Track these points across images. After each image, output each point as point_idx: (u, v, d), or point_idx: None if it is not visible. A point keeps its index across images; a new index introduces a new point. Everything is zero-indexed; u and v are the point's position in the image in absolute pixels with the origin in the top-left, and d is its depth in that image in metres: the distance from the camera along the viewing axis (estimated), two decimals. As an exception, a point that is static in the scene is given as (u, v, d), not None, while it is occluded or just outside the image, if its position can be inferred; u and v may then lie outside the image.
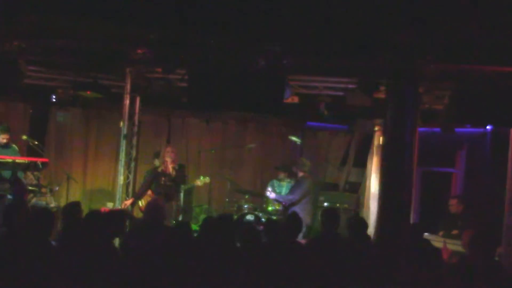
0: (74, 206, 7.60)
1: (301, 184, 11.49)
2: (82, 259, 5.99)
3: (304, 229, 10.91)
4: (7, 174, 10.48)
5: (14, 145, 11.01)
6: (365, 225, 7.89)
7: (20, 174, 10.54)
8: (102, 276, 5.88)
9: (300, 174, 11.65)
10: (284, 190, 12.13)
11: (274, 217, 11.58)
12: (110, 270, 6.00)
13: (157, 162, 12.35)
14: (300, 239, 10.41)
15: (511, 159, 10.82)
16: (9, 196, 10.16)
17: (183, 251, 6.47)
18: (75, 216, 7.33)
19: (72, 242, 6.35)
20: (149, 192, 12.29)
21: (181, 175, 11.70)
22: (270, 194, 11.90)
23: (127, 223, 11.35)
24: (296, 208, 11.18)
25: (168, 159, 11.54)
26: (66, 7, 8.55)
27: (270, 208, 12.03)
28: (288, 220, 7.82)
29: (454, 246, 9.20)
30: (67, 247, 6.28)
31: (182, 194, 11.94)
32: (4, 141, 10.75)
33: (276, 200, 11.83)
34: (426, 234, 9.26)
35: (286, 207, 11.60)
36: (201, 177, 12.20)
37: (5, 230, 6.34)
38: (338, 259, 7.12)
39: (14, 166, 10.34)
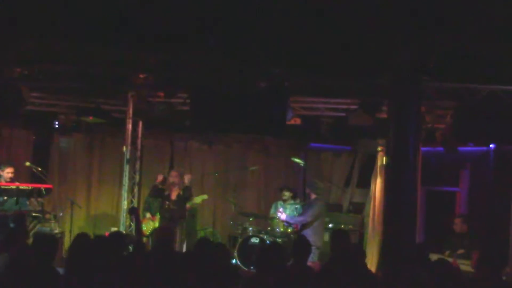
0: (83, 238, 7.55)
1: (313, 206, 11.38)
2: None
3: (317, 252, 10.89)
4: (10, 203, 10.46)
5: None
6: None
7: (22, 201, 10.51)
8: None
9: (313, 196, 11.53)
10: (288, 212, 12.07)
11: (279, 240, 11.52)
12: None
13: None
14: (313, 261, 10.41)
15: (515, 177, 10.81)
16: (11, 225, 10.13)
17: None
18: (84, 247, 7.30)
19: (81, 271, 6.29)
20: (148, 215, 12.28)
21: (187, 195, 11.71)
22: (281, 214, 11.78)
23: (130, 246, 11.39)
24: (308, 231, 11.12)
25: (173, 183, 11.55)
26: (67, 33, 8.58)
27: (275, 230, 11.97)
28: (296, 243, 7.74)
29: (461, 266, 9.15)
30: (75, 276, 6.23)
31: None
32: (10, 175, 10.77)
33: (286, 221, 11.73)
34: (431, 254, 9.21)
35: (296, 231, 11.54)
36: (200, 195, 12.23)
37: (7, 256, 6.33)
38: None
39: (18, 192, 10.33)
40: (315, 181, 12.16)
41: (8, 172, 10.73)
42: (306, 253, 7.45)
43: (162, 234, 7.96)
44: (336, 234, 8.22)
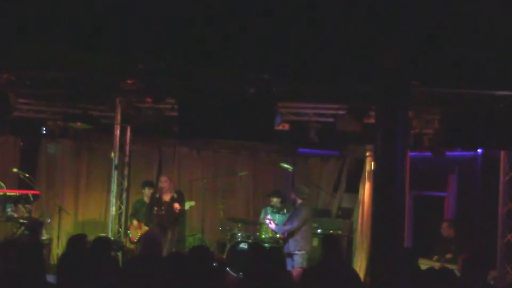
0: (80, 239, 7.51)
1: (300, 212, 11.35)
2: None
3: (305, 256, 10.91)
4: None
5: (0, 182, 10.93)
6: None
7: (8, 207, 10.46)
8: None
9: (299, 201, 11.51)
10: (277, 218, 12.07)
11: (267, 245, 11.52)
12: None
13: (146, 191, 12.34)
14: (302, 266, 10.43)
15: (502, 181, 10.85)
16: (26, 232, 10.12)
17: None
18: (81, 248, 7.27)
19: (75, 276, 6.26)
20: (135, 222, 12.24)
21: (181, 200, 11.69)
22: (270, 224, 11.73)
23: (118, 253, 11.37)
24: (296, 236, 11.12)
25: (163, 189, 11.54)
26: (55, 39, 8.56)
27: (263, 236, 11.96)
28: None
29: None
30: (67, 281, 6.19)
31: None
32: None
33: (276, 231, 11.70)
34: (420, 259, 9.24)
35: (283, 238, 11.54)
36: (187, 201, 12.22)
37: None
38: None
39: (5, 199, 10.27)
40: (300, 186, 12.17)
41: None
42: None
43: (149, 238, 7.96)
44: (327, 239, 8.23)
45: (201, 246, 8.74)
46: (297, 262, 10.82)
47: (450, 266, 9.45)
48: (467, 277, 6.69)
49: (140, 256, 8.24)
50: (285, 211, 12.18)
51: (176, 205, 11.54)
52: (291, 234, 11.25)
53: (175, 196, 11.63)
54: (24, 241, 9.35)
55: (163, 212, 11.51)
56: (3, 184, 10.94)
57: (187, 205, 12.26)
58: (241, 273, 11.22)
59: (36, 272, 6.12)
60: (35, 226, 10.21)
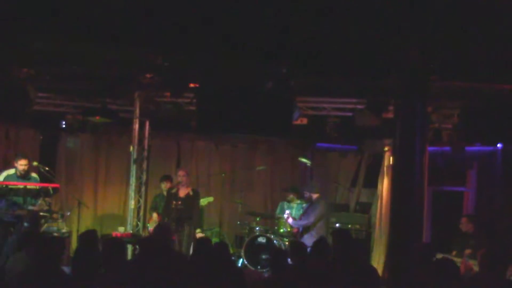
0: (90, 234, 7.58)
1: (317, 207, 11.32)
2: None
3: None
4: (19, 201, 10.46)
5: (35, 175, 10.95)
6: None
7: (30, 201, 10.51)
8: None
9: (314, 196, 11.47)
10: (294, 212, 12.07)
11: (286, 239, 11.53)
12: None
13: (163, 186, 12.36)
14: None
15: (522, 176, 10.78)
16: (25, 224, 10.15)
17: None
18: (92, 243, 7.34)
19: (87, 270, 6.30)
20: (155, 216, 12.27)
21: (197, 197, 11.69)
22: (288, 218, 11.73)
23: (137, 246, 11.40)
24: (312, 232, 11.11)
25: (181, 183, 11.56)
26: (74, 33, 8.60)
27: (281, 230, 11.93)
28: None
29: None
30: (81, 275, 6.24)
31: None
32: (23, 167, 10.69)
33: (293, 226, 11.68)
34: (438, 254, 9.20)
35: (296, 232, 11.54)
36: (205, 197, 12.25)
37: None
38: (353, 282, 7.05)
39: (26, 192, 10.33)
40: (310, 182, 12.16)
41: (21, 164, 10.70)
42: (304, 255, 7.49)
43: (159, 231, 7.98)
44: (337, 233, 8.23)
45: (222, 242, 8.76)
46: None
47: (471, 261, 9.46)
48: (486, 273, 6.66)
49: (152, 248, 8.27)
50: (303, 205, 12.14)
51: (199, 234, 11.56)
52: (306, 228, 11.24)
53: (191, 193, 11.59)
54: (25, 232, 9.38)
55: (181, 206, 11.51)
56: (37, 177, 11.00)
57: (205, 201, 12.29)
58: (259, 267, 11.27)
59: (52, 264, 6.19)
60: (34, 218, 10.24)
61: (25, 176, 10.67)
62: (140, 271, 6.62)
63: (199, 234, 11.42)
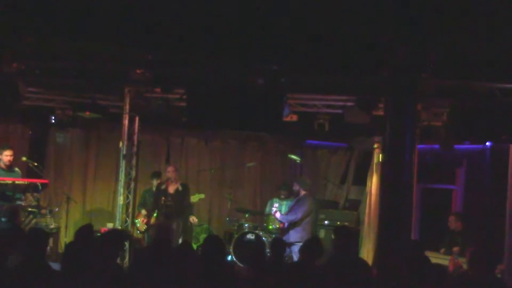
0: (87, 229, 7.53)
1: (304, 203, 11.39)
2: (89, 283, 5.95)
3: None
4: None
5: (17, 169, 10.92)
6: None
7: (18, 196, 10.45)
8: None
9: (302, 192, 11.54)
10: (284, 209, 12.08)
11: (274, 236, 11.55)
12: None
13: (155, 182, 12.35)
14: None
15: (511, 175, 10.81)
16: (3, 219, 10.08)
17: (186, 269, 6.46)
18: (89, 238, 7.29)
19: (80, 265, 6.26)
20: (144, 212, 12.26)
21: (186, 192, 11.72)
22: (276, 213, 11.79)
23: (127, 243, 11.39)
24: (298, 227, 11.16)
25: (170, 179, 11.57)
26: (64, 28, 8.57)
27: (270, 227, 11.97)
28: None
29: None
30: (73, 271, 6.20)
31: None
32: (8, 158, 10.63)
33: (279, 220, 11.72)
34: (427, 251, 9.23)
35: (282, 227, 11.57)
36: (196, 194, 12.25)
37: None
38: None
39: (14, 187, 10.29)
40: (303, 177, 12.18)
41: (7, 155, 10.64)
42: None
43: (160, 232, 7.95)
44: (341, 230, 8.25)
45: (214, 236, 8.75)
46: (295, 252, 10.83)
47: (460, 259, 9.50)
48: (475, 270, 6.69)
49: (151, 246, 8.26)
50: (289, 200, 12.16)
51: (193, 220, 11.66)
52: (293, 224, 11.29)
53: (180, 188, 11.62)
54: (3, 228, 9.32)
55: (169, 202, 11.51)
56: (19, 172, 10.95)
57: (197, 198, 12.28)
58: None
59: (39, 260, 6.15)
60: (12, 212, 10.18)
61: (9, 168, 10.62)
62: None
63: (194, 219, 11.55)
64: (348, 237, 7.90)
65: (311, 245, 7.63)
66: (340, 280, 6.56)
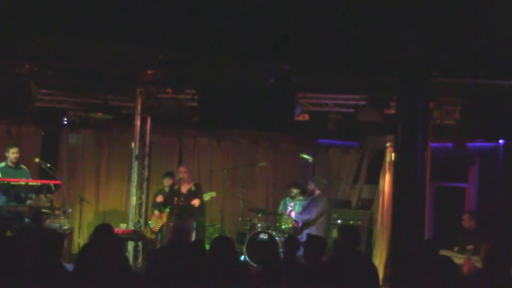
0: (106, 228, 7.52)
1: (318, 202, 11.40)
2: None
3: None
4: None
5: (24, 167, 10.99)
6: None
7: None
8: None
9: (317, 192, 11.55)
10: (297, 208, 12.07)
11: (287, 236, 11.54)
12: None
13: (167, 182, 12.36)
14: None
15: (524, 172, 10.78)
16: (26, 220, 10.15)
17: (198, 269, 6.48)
18: (106, 238, 7.30)
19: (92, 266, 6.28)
20: (157, 212, 12.28)
21: (199, 192, 11.75)
22: (291, 212, 11.80)
23: (139, 243, 11.44)
24: (312, 227, 11.15)
25: (182, 179, 11.59)
26: (76, 29, 8.58)
27: (283, 227, 11.96)
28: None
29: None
30: (86, 271, 6.22)
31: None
32: (15, 155, 10.70)
33: (294, 219, 11.72)
34: (441, 250, 9.20)
35: (296, 226, 11.57)
36: (208, 192, 12.27)
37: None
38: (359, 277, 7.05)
39: (27, 188, 10.34)
40: (319, 177, 12.17)
41: (13, 153, 10.71)
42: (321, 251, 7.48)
43: (179, 234, 7.95)
44: (347, 229, 8.23)
45: (222, 236, 8.76)
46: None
47: (473, 257, 9.46)
48: (489, 268, 6.66)
49: (169, 245, 8.27)
50: (304, 201, 12.15)
51: (195, 202, 11.63)
52: (307, 224, 11.29)
53: (193, 188, 11.65)
54: (28, 228, 9.38)
55: (182, 202, 11.54)
56: (27, 169, 11.01)
57: (208, 196, 12.30)
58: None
59: (53, 260, 6.18)
60: (36, 214, 10.24)
61: (16, 165, 10.69)
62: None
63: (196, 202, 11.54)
64: (350, 235, 7.86)
65: (312, 245, 7.65)
66: (340, 277, 6.58)
